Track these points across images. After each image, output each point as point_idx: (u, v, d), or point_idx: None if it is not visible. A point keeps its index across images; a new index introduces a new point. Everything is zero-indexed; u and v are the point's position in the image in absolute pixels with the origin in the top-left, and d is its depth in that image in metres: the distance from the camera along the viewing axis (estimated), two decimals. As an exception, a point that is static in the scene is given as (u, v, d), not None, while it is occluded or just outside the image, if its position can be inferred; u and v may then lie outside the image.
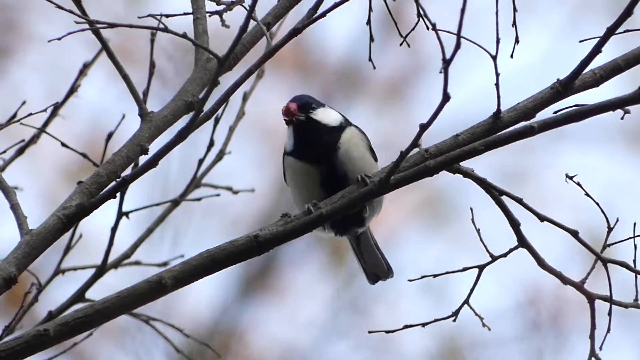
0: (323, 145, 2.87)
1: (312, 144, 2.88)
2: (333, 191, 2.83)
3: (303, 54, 6.28)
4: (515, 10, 2.84)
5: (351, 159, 2.87)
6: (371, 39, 2.96)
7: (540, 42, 5.91)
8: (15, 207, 2.74)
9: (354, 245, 2.99)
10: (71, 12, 2.71)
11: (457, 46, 2.32)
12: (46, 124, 3.27)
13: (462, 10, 2.30)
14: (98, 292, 3.24)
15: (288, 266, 6.13)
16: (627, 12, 2.60)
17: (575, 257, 5.10)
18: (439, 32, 2.39)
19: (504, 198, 2.78)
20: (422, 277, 2.85)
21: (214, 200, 3.56)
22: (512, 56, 2.80)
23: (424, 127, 2.52)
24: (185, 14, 2.83)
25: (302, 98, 2.90)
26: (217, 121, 3.42)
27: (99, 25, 2.71)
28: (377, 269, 2.99)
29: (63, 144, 3.29)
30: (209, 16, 2.87)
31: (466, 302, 2.82)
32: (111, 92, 5.73)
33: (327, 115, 2.91)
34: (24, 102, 3.14)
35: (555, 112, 2.67)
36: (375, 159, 2.92)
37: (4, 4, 6.10)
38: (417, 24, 2.84)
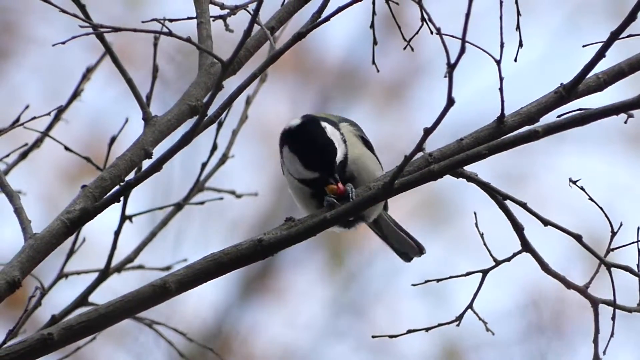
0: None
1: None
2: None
3: (302, 56, 6.28)
4: (519, 14, 2.83)
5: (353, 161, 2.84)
6: (375, 42, 2.95)
7: (540, 43, 5.92)
8: (19, 211, 2.73)
9: (377, 232, 3.00)
10: (75, 15, 2.70)
11: (462, 51, 2.31)
12: (49, 127, 3.27)
13: (467, 15, 2.29)
14: (101, 296, 3.24)
15: (288, 268, 6.13)
16: (631, 17, 2.59)
17: (575, 261, 5.10)
18: (444, 36, 2.39)
19: (507, 202, 2.78)
20: (426, 281, 2.85)
21: (215, 204, 3.56)
22: (515, 60, 2.80)
23: (428, 131, 2.51)
24: (189, 18, 2.83)
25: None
26: (220, 125, 3.41)
27: (102, 30, 2.70)
28: (406, 248, 3.00)
29: (67, 148, 3.28)
30: (213, 20, 2.87)
31: (470, 307, 2.82)
32: (111, 95, 5.73)
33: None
34: (27, 107, 3.14)
35: (559, 116, 2.66)
36: (371, 148, 2.89)
37: (3, 6, 6.09)
38: (420, 27, 2.84)
